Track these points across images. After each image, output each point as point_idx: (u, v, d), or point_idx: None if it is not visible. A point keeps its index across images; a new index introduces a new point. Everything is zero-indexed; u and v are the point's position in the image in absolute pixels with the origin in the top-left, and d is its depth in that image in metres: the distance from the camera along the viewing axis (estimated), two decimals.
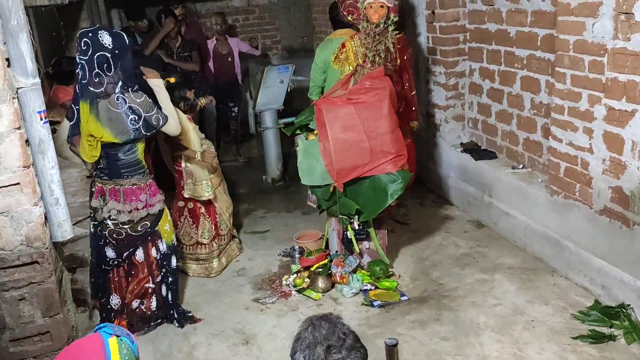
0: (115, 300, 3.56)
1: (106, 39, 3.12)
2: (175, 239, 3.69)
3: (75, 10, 6.51)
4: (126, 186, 3.34)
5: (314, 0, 7.92)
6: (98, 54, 3.10)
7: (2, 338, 2.76)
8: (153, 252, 3.54)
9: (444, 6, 4.79)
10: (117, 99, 3.15)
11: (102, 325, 1.82)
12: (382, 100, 3.75)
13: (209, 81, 6.36)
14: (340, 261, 3.93)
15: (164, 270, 3.63)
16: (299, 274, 4.04)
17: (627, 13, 3.03)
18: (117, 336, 1.76)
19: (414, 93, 4.41)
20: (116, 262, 3.50)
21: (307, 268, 4.03)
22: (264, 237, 4.85)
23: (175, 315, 3.69)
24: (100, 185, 3.39)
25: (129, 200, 3.34)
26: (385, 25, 3.73)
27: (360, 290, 3.86)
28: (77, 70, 3.17)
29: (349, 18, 3.93)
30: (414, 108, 4.45)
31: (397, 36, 4.02)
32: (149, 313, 3.62)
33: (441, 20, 4.85)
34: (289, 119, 5.49)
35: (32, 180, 2.65)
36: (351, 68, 3.90)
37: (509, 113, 4.48)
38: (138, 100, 3.20)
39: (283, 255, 4.45)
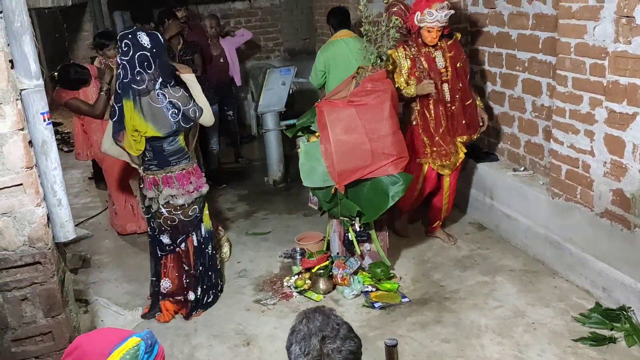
0: (165, 284, 3.77)
1: (144, 39, 3.33)
2: (212, 227, 3.86)
3: (78, 12, 6.55)
4: (177, 172, 3.56)
5: (316, 3, 7.93)
6: (139, 53, 3.32)
7: (4, 338, 2.77)
8: (194, 240, 3.73)
9: None
10: (158, 95, 3.37)
11: (145, 331, 1.81)
12: (383, 102, 3.75)
13: (211, 84, 6.37)
14: (342, 263, 3.94)
15: (202, 257, 3.78)
16: (300, 276, 4.04)
17: (628, 16, 3.04)
18: (142, 340, 1.74)
19: (469, 102, 4.17)
20: (171, 248, 3.71)
21: (308, 269, 4.04)
22: (266, 239, 4.85)
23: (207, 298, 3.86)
24: (151, 176, 3.57)
25: (182, 184, 3.56)
26: (387, 28, 3.74)
27: (361, 291, 3.86)
28: (118, 70, 3.40)
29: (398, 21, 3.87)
30: (464, 121, 4.17)
31: (449, 43, 4.06)
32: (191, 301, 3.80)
33: None
34: (291, 121, 5.50)
35: (35, 181, 2.66)
36: (397, 83, 3.95)
37: (510, 115, 4.48)
38: (176, 95, 3.42)
39: (284, 257, 4.45)
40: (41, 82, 2.69)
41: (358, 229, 3.94)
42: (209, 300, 3.86)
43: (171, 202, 3.56)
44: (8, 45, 2.53)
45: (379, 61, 3.84)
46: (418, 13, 3.90)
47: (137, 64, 3.32)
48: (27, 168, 2.63)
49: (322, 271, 3.96)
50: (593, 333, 3.24)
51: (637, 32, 3.01)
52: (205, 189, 3.68)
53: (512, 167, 4.49)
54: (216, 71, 6.49)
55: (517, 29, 4.20)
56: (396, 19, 3.81)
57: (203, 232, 3.76)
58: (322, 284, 3.91)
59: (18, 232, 2.67)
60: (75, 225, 3.45)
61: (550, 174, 3.87)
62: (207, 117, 3.63)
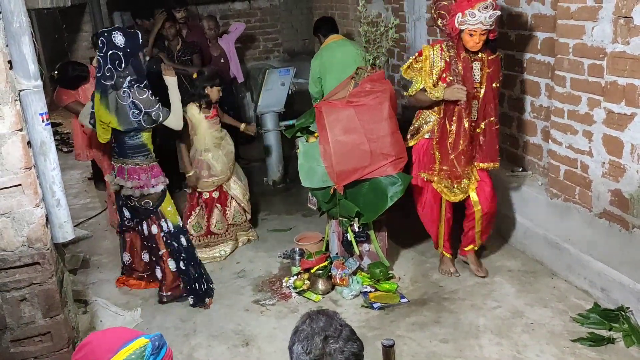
0: (126, 258, 4.18)
1: (119, 39, 3.50)
2: (180, 221, 3.93)
3: (77, 13, 6.55)
4: (130, 165, 3.72)
5: (315, 3, 7.94)
6: (111, 52, 3.50)
7: (3, 338, 2.77)
8: (154, 229, 3.83)
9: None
10: (124, 93, 3.54)
11: (156, 333, 1.82)
12: (382, 103, 3.76)
13: None
14: (340, 263, 3.94)
15: (174, 245, 3.87)
16: (299, 276, 4.05)
17: (626, 17, 3.05)
18: (150, 341, 1.75)
19: (497, 127, 3.73)
20: (131, 225, 4.01)
21: (307, 270, 4.04)
22: (265, 239, 4.86)
23: (199, 289, 3.92)
24: (113, 162, 3.88)
25: (131, 177, 3.72)
26: (386, 29, 3.75)
27: (360, 292, 3.86)
28: (96, 65, 3.68)
29: (439, 22, 3.58)
30: (486, 147, 3.71)
31: (490, 57, 3.58)
32: (171, 277, 3.94)
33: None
34: (290, 122, 5.50)
35: (33, 181, 2.66)
36: (424, 83, 3.62)
37: (509, 116, 4.49)
38: (140, 97, 3.55)
39: (283, 257, 4.45)
40: (40, 82, 2.70)
41: (357, 230, 3.95)
42: (205, 289, 3.96)
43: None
44: (7, 46, 2.54)
45: (377, 62, 3.84)
46: (459, 14, 3.40)
47: (108, 61, 3.51)
48: (26, 168, 2.63)
49: (321, 272, 3.96)
50: (591, 333, 3.25)
51: (635, 33, 3.02)
52: (156, 189, 3.75)
53: (510, 167, 4.49)
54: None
55: (516, 30, 4.21)
56: (394, 19, 3.81)
57: (169, 226, 3.85)
58: (321, 285, 3.91)
59: (17, 233, 2.67)
60: (75, 226, 3.47)
61: (549, 175, 3.88)
62: (173, 122, 3.72)
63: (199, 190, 4.47)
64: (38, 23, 7.72)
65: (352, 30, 6.56)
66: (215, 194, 4.53)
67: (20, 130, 2.59)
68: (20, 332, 2.79)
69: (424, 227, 4.07)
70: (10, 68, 2.57)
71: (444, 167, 3.73)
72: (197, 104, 4.34)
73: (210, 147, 4.41)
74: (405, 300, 3.78)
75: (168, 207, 3.85)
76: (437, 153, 3.74)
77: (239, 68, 6.84)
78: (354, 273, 3.95)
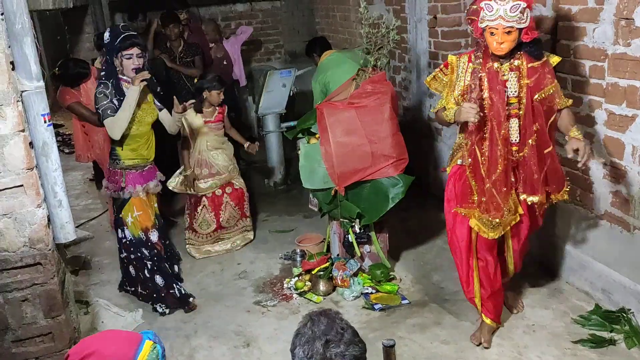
0: None
1: (106, 34, 3.64)
2: (142, 235, 3.83)
3: (79, 14, 6.56)
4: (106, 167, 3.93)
5: (317, 5, 7.95)
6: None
7: (4, 339, 2.78)
8: (119, 232, 3.88)
9: (445, 11, 4.81)
10: (98, 84, 3.68)
11: (148, 331, 1.87)
12: (383, 105, 3.77)
13: None
14: (342, 264, 3.94)
15: (137, 254, 3.86)
16: (300, 277, 4.05)
17: (627, 19, 3.05)
18: (154, 342, 1.82)
19: (548, 149, 2.99)
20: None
21: (308, 271, 4.05)
22: (265, 240, 4.86)
23: (178, 295, 3.90)
24: None
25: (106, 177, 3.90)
26: (387, 30, 3.75)
27: (361, 293, 3.87)
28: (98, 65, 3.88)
29: (469, 31, 3.24)
30: (536, 175, 2.97)
31: (531, 65, 2.87)
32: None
33: (443, 25, 4.87)
34: (291, 123, 5.52)
35: (35, 182, 2.67)
36: (449, 100, 3.04)
37: None
38: (96, 92, 3.62)
39: (285, 259, 4.46)
40: (42, 83, 2.70)
41: (358, 231, 3.95)
42: (184, 293, 3.95)
43: None
44: (9, 47, 2.54)
45: (378, 63, 3.85)
46: (481, 11, 2.80)
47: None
48: (28, 169, 2.64)
49: (322, 273, 3.97)
50: (593, 335, 3.24)
51: (637, 34, 3.02)
52: (123, 194, 3.75)
53: None
54: (218, 73, 6.50)
55: None
56: (396, 21, 3.81)
57: (126, 234, 3.83)
58: (322, 286, 3.91)
59: (19, 233, 2.68)
60: (76, 227, 3.47)
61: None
62: (108, 127, 3.60)
63: (200, 193, 4.49)
64: (40, 24, 7.74)
65: (354, 32, 6.57)
66: (228, 190, 4.61)
67: (22, 131, 2.60)
68: (22, 333, 2.80)
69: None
70: (13, 69, 2.57)
71: (482, 199, 3.00)
72: (196, 108, 4.37)
73: (211, 148, 4.50)
74: (406, 301, 3.78)
75: (128, 217, 3.78)
76: (472, 182, 3.05)
77: (243, 71, 6.86)
78: (355, 274, 3.96)
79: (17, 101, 2.57)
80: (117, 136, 3.60)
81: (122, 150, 3.72)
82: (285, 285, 4.07)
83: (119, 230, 3.85)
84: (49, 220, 2.78)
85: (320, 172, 3.82)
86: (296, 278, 4.07)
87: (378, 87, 3.79)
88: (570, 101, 3.02)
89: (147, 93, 3.74)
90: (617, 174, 3.29)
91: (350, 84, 3.95)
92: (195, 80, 4.48)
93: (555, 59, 2.96)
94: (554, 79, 2.92)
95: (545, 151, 2.98)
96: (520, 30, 2.76)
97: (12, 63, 2.56)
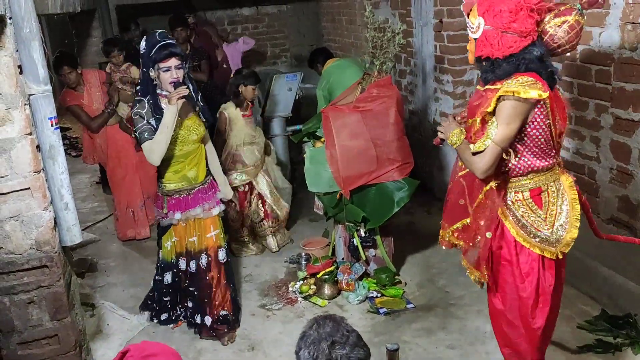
0: None
1: (142, 44, 3.23)
2: (174, 260, 3.58)
3: (86, 18, 6.60)
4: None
5: (322, 9, 7.97)
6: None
7: (10, 341, 2.78)
8: (159, 254, 3.70)
9: (451, 15, 4.81)
10: (134, 103, 3.28)
11: None
12: (389, 108, 3.77)
13: (218, 89, 6.40)
14: (347, 268, 3.94)
15: (158, 278, 3.72)
16: (305, 281, 4.05)
17: (633, 23, 3.04)
18: None
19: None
20: None
21: (313, 275, 4.04)
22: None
23: (170, 311, 3.79)
24: None
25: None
26: (393, 34, 3.76)
27: (366, 297, 3.86)
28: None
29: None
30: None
31: (485, 88, 2.38)
32: None
33: (449, 29, 4.87)
34: (297, 127, 5.51)
35: (42, 185, 2.68)
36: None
37: None
38: (132, 112, 3.26)
39: (290, 262, 4.46)
40: (49, 87, 2.72)
41: (363, 235, 3.95)
42: (177, 314, 3.79)
43: None
44: (17, 50, 2.56)
45: (384, 67, 3.85)
46: None
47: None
48: (35, 172, 2.65)
49: (327, 276, 3.96)
50: (599, 340, 3.23)
51: None
52: (161, 221, 3.50)
53: None
54: (217, 76, 6.52)
55: None
56: (402, 25, 3.81)
57: (160, 258, 3.66)
58: (327, 290, 3.91)
59: (25, 236, 2.69)
60: (82, 230, 3.48)
61: None
62: (146, 153, 3.19)
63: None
64: (48, 28, 7.78)
65: (359, 35, 6.58)
66: (246, 188, 4.65)
67: (30, 134, 2.61)
68: (28, 335, 2.81)
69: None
70: (20, 73, 2.59)
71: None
72: (234, 102, 4.50)
73: (245, 143, 4.56)
74: (411, 305, 3.78)
75: (166, 242, 3.56)
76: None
77: None
78: (360, 278, 3.95)
79: (25, 104, 2.59)
80: (155, 162, 3.19)
81: (163, 173, 3.35)
82: (290, 289, 4.07)
83: (158, 253, 3.68)
84: (55, 222, 2.79)
85: (325, 176, 3.82)
86: (301, 282, 4.07)
87: (384, 91, 3.79)
88: (484, 148, 2.33)
89: (189, 108, 3.34)
90: (623, 179, 3.28)
91: (355, 88, 3.96)
92: (231, 76, 4.58)
93: (504, 89, 2.24)
94: (484, 111, 2.31)
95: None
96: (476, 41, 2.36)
97: (19, 67, 2.58)
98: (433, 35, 5.10)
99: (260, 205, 4.71)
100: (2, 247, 2.68)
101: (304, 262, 4.20)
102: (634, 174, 3.21)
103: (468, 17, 2.36)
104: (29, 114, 2.62)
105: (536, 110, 2.28)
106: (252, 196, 4.67)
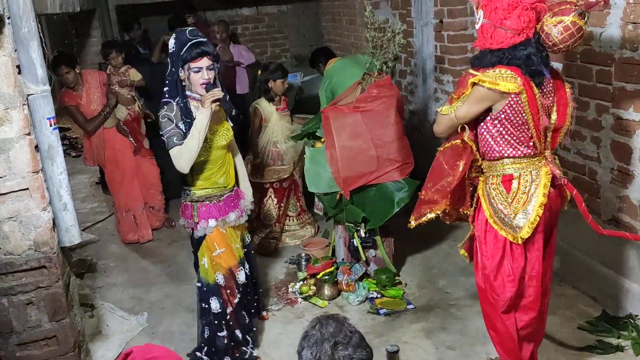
0: None
1: (171, 41, 2.95)
2: (217, 280, 3.13)
3: (86, 18, 6.59)
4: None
5: (323, 9, 7.96)
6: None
7: (9, 342, 2.78)
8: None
9: (452, 15, 4.81)
10: (161, 105, 2.99)
11: None
12: (389, 109, 3.76)
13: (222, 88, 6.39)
14: (347, 269, 3.93)
15: (202, 305, 3.22)
16: (305, 282, 4.04)
17: (634, 23, 3.03)
18: None
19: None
20: None
21: (313, 275, 4.03)
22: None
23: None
24: None
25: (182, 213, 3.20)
26: (393, 35, 3.75)
27: (367, 298, 3.85)
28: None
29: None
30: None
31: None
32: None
33: (449, 29, 4.86)
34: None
35: (41, 185, 2.68)
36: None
37: None
38: (159, 115, 2.97)
39: (290, 263, 4.45)
40: (48, 87, 2.72)
41: (363, 235, 3.94)
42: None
43: None
44: (15, 50, 2.55)
45: (384, 67, 3.84)
46: None
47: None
48: (33, 172, 2.65)
49: (327, 277, 3.95)
50: (600, 341, 3.22)
51: None
52: (197, 233, 3.10)
53: None
54: (223, 76, 6.50)
55: None
56: (402, 25, 3.80)
57: (201, 282, 3.19)
58: (327, 290, 3.90)
59: (24, 236, 2.68)
60: (82, 230, 3.48)
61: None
62: (175, 159, 2.92)
63: (266, 180, 4.66)
64: (48, 28, 7.78)
65: (360, 36, 6.57)
66: (285, 185, 4.73)
67: (28, 134, 2.61)
68: (26, 336, 2.80)
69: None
70: (19, 72, 2.58)
71: None
72: (266, 97, 4.56)
73: (281, 138, 4.62)
74: (411, 306, 3.77)
75: (203, 259, 3.13)
76: None
77: (243, 81, 6.86)
78: (360, 279, 3.94)
79: (23, 105, 2.58)
80: (184, 169, 2.92)
81: (192, 179, 3.06)
82: (290, 290, 4.06)
83: (198, 274, 3.21)
84: (54, 223, 2.78)
85: (325, 176, 3.81)
86: (301, 282, 4.06)
87: (384, 91, 3.78)
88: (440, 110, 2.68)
89: (220, 113, 3.10)
90: (624, 179, 3.27)
91: (356, 88, 3.95)
92: (259, 72, 4.63)
93: (478, 77, 2.45)
94: (462, 91, 2.54)
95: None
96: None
97: (18, 67, 2.57)
98: (433, 35, 5.09)
99: (296, 200, 4.81)
100: (0, 248, 2.67)
101: (303, 263, 4.19)
102: (634, 174, 3.19)
103: (477, 8, 2.50)
104: (28, 114, 2.62)
105: (508, 101, 2.43)
106: (291, 192, 4.75)
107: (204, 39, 2.92)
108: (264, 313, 3.68)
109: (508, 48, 2.39)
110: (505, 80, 2.39)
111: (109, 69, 5.08)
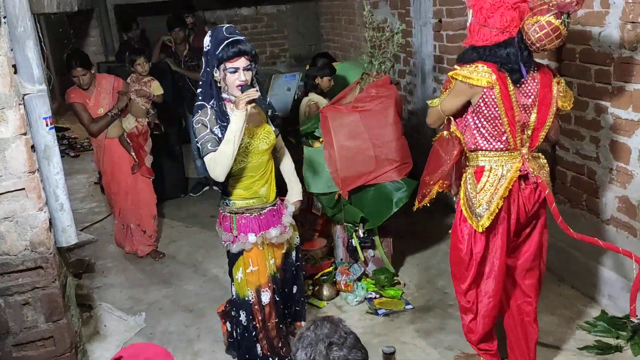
0: None
1: (206, 39, 2.74)
2: (249, 296, 2.98)
3: (84, 18, 6.58)
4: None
5: (322, 9, 7.96)
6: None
7: (5, 343, 2.77)
8: (231, 287, 3.09)
9: (451, 15, 4.80)
10: (195, 109, 2.77)
11: None
12: (387, 109, 3.75)
13: None
14: (345, 269, 3.92)
15: (232, 315, 3.12)
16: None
17: (633, 22, 3.02)
18: None
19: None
20: None
21: (311, 275, 4.02)
22: None
23: None
24: None
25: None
26: (391, 34, 3.74)
27: (365, 298, 3.84)
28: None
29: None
30: None
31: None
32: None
33: (448, 29, 4.86)
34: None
35: (37, 185, 2.66)
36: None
37: None
38: (193, 120, 2.76)
39: None
40: (44, 87, 2.70)
41: (362, 235, 3.93)
42: None
43: None
44: (11, 50, 2.54)
45: (383, 67, 3.83)
46: None
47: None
48: (30, 172, 2.63)
49: (325, 277, 3.94)
50: (599, 341, 3.21)
51: None
52: (232, 247, 2.92)
53: None
54: None
55: None
56: (400, 25, 3.79)
57: (233, 291, 3.05)
58: (325, 290, 3.89)
59: (20, 237, 2.67)
60: (80, 230, 3.46)
61: (556, 181, 3.84)
62: (209, 167, 2.70)
63: None
64: (47, 28, 7.77)
65: (358, 35, 6.56)
66: None
67: (24, 134, 2.60)
68: (23, 337, 2.79)
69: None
70: (15, 72, 2.57)
71: None
72: (316, 92, 4.44)
73: None
74: (410, 306, 3.76)
75: (237, 273, 2.96)
76: None
77: None
78: (359, 279, 3.93)
79: (19, 104, 2.57)
80: (219, 177, 2.69)
81: (231, 188, 2.86)
82: None
83: (231, 286, 3.08)
84: (50, 223, 2.77)
85: (323, 176, 3.80)
86: None
87: (382, 91, 3.78)
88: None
89: (259, 115, 2.89)
90: (623, 179, 3.26)
91: (354, 88, 3.95)
92: (307, 67, 4.50)
93: (455, 72, 2.64)
94: (443, 89, 2.79)
95: None
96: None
97: (14, 66, 2.56)
98: (432, 35, 5.08)
99: None
100: None
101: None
102: (633, 174, 3.19)
103: (469, 8, 2.63)
104: (24, 113, 2.60)
105: (481, 95, 2.57)
106: None
107: (241, 37, 2.70)
108: (301, 322, 3.39)
109: (490, 46, 2.52)
110: (479, 74, 2.54)
111: (131, 77, 4.66)
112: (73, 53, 4.50)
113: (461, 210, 2.79)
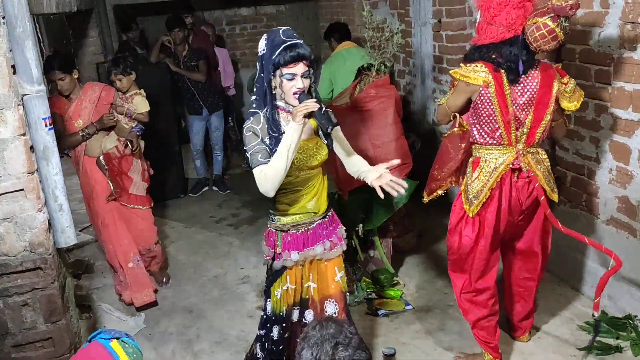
0: None
1: (261, 42, 2.55)
2: (284, 312, 2.79)
3: (83, 18, 6.56)
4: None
5: (321, 9, 7.95)
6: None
7: (4, 344, 2.76)
8: (265, 304, 2.91)
9: (450, 15, 4.79)
10: (247, 116, 2.58)
11: (96, 332, 1.83)
12: (387, 109, 3.75)
13: (217, 89, 6.38)
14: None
15: (262, 331, 2.90)
16: None
17: (633, 22, 3.02)
18: (117, 338, 1.79)
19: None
20: None
21: None
22: None
23: None
24: None
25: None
26: (391, 34, 3.74)
27: (365, 298, 3.84)
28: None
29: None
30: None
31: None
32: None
33: (447, 29, 4.85)
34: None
35: (36, 186, 2.66)
36: None
37: None
38: (244, 127, 2.55)
39: None
40: (43, 87, 2.69)
41: (362, 236, 3.92)
42: None
43: None
44: (10, 50, 2.53)
45: (382, 67, 3.83)
46: None
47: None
48: (29, 173, 2.62)
49: None
50: (599, 342, 3.21)
51: None
52: (275, 263, 2.73)
53: None
54: (214, 78, 6.50)
55: None
56: (400, 25, 3.79)
57: (267, 309, 2.85)
58: None
59: (19, 238, 2.66)
60: (80, 231, 3.45)
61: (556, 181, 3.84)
62: (259, 181, 2.46)
63: None
64: (46, 28, 7.76)
65: (358, 35, 6.55)
66: None
67: (23, 134, 2.59)
68: (22, 338, 2.78)
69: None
70: (14, 73, 2.56)
71: None
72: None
73: None
74: (410, 307, 3.75)
75: (276, 290, 2.78)
76: None
77: (231, 82, 6.90)
78: (359, 279, 3.93)
79: (18, 105, 2.56)
80: (270, 192, 2.47)
81: (275, 202, 2.67)
82: None
83: (265, 302, 2.87)
84: (49, 224, 2.76)
85: None
86: None
87: (382, 91, 3.78)
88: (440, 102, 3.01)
89: (309, 127, 2.61)
90: (623, 179, 3.26)
91: (354, 88, 3.94)
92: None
93: (455, 70, 2.80)
94: (450, 87, 2.96)
95: None
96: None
97: (13, 67, 2.55)
98: (432, 35, 5.08)
99: None
100: None
101: None
102: (633, 174, 3.18)
103: (477, 9, 2.79)
104: (23, 114, 2.60)
105: (478, 93, 2.71)
106: None
107: (300, 40, 2.46)
108: None
109: (493, 44, 2.66)
110: (476, 73, 2.70)
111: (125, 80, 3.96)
112: (53, 54, 4.04)
113: (460, 193, 2.97)
